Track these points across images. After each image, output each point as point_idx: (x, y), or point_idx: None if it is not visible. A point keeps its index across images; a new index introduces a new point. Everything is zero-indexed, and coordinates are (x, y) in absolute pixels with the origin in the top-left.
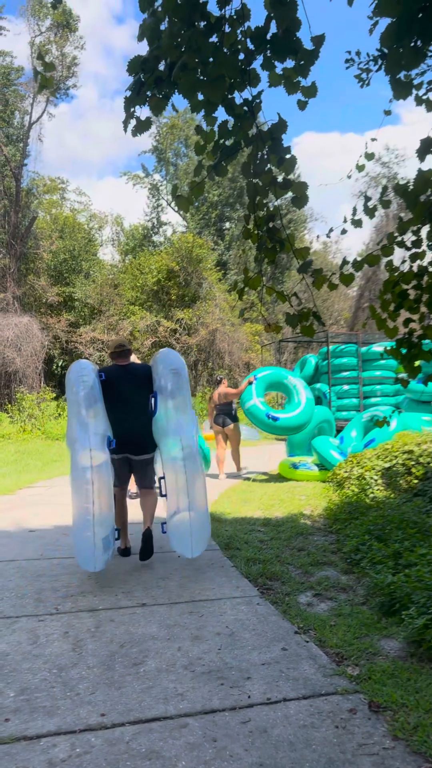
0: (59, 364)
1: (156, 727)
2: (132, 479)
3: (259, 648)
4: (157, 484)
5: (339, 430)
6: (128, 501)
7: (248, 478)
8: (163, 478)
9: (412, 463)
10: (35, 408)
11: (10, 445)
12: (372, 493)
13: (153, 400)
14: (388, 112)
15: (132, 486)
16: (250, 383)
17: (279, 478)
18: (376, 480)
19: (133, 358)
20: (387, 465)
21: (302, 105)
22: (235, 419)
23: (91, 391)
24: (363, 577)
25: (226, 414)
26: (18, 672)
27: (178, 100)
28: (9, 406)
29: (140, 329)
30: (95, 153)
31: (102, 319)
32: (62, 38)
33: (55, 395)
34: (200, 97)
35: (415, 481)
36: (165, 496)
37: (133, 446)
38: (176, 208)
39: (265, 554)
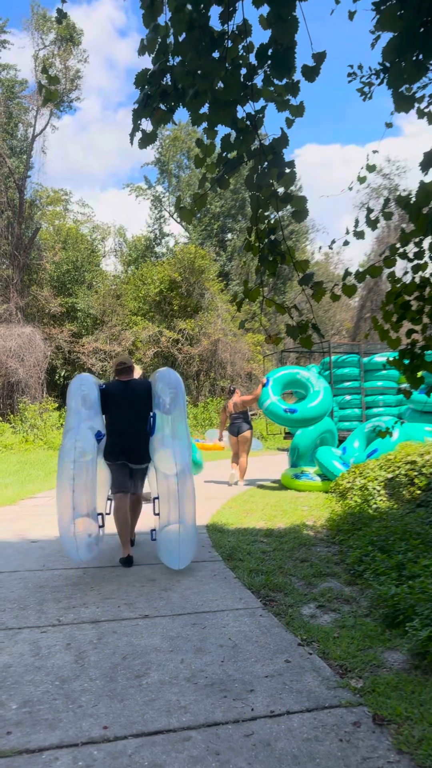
0: (62, 375)
1: (159, 740)
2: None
3: (262, 660)
4: (146, 489)
5: (341, 441)
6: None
7: (256, 486)
8: (157, 498)
9: (415, 473)
10: (38, 418)
11: (13, 455)
12: (375, 503)
13: (152, 420)
14: (389, 125)
15: None
16: (264, 385)
17: (281, 488)
18: (378, 491)
19: (138, 371)
20: (390, 475)
21: (289, 123)
22: (250, 427)
23: (90, 402)
24: (366, 589)
25: (242, 421)
26: (20, 684)
27: (179, 113)
28: (11, 416)
29: (142, 339)
30: (98, 165)
31: (104, 330)
32: (66, 52)
33: (57, 405)
34: (210, 119)
35: (418, 492)
36: (158, 515)
37: (131, 455)
38: (179, 220)
39: (267, 565)
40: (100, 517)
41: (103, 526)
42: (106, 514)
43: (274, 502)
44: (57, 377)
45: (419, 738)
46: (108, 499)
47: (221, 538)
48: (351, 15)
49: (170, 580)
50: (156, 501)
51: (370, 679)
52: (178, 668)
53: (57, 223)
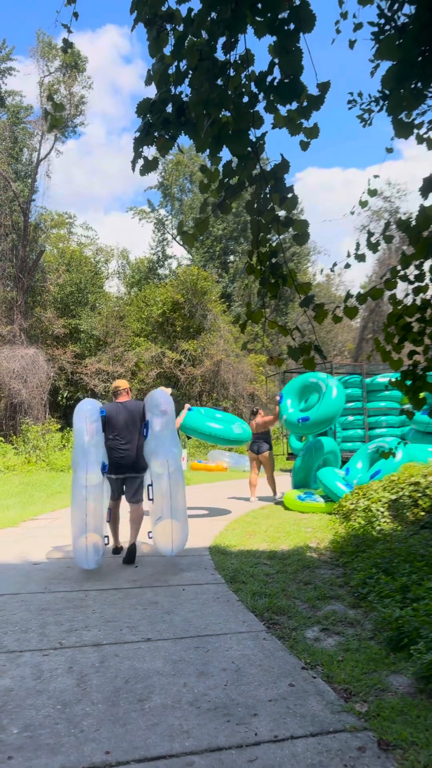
0: (64, 395)
1: (161, 765)
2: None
3: (265, 684)
4: (146, 494)
5: (344, 461)
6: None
7: (258, 507)
8: (152, 485)
9: (419, 494)
10: (40, 439)
11: (15, 476)
12: (378, 525)
13: (144, 429)
14: (389, 150)
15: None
16: (279, 402)
17: (284, 509)
18: (382, 512)
19: (164, 390)
20: (393, 497)
21: (304, 146)
22: (270, 447)
23: (94, 424)
24: (370, 612)
25: (263, 440)
26: (22, 708)
27: (181, 138)
28: (14, 437)
29: (145, 360)
30: (102, 188)
31: (107, 351)
32: (71, 78)
33: (59, 426)
34: (215, 147)
35: (422, 513)
36: (152, 500)
37: (125, 467)
38: (181, 242)
39: (271, 588)
40: (106, 537)
41: (108, 544)
42: (108, 521)
43: (277, 523)
44: (60, 398)
45: (425, 763)
46: (108, 509)
47: (224, 561)
48: (351, 44)
49: (173, 602)
50: (150, 488)
51: (375, 703)
52: (180, 692)
53: (61, 246)
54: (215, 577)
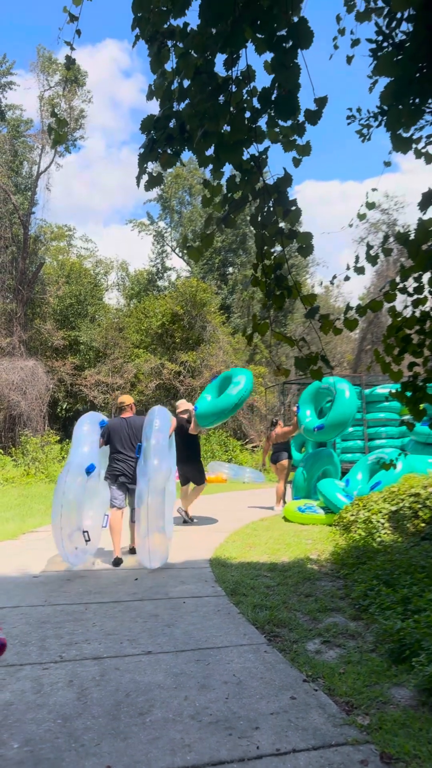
0: (64, 407)
1: None
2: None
3: (267, 697)
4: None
5: (344, 473)
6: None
7: (258, 519)
8: (133, 510)
9: (419, 506)
10: (39, 451)
11: (14, 488)
12: (379, 536)
13: (136, 449)
14: (387, 164)
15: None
16: (296, 413)
17: (285, 521)
18: (383, 523)
19: (185, 405)
20: (394, 508)
21: (296, 162)
22: (290, 456)
23: (90, 435)
24: (372, 624)
25: (283, 450)
26: (22, 722)
27: (184, 154)
28: (13, 449)
29: (144, 372)
30: (102, 201)
31: (107, 362)
32: (70, 92)
33: (59, 438)
34: (217, 160)
35: (423, 525)
36: (133, 522)
37: (127, 478)
38: (181, 254)
39: (271, 600)
40: (85, 533)
41: (89, 540)
42: (103, 526)
43: (278, 535)
44: (59, 410)
45: None
46: (105, 514)
47: (224, 573)
48: (349, 59)
49: (173, 615)
50: (133, 511)
51: (377, 716)
52: (182, 705)
53: (61, 258)
54: (216, 590)
